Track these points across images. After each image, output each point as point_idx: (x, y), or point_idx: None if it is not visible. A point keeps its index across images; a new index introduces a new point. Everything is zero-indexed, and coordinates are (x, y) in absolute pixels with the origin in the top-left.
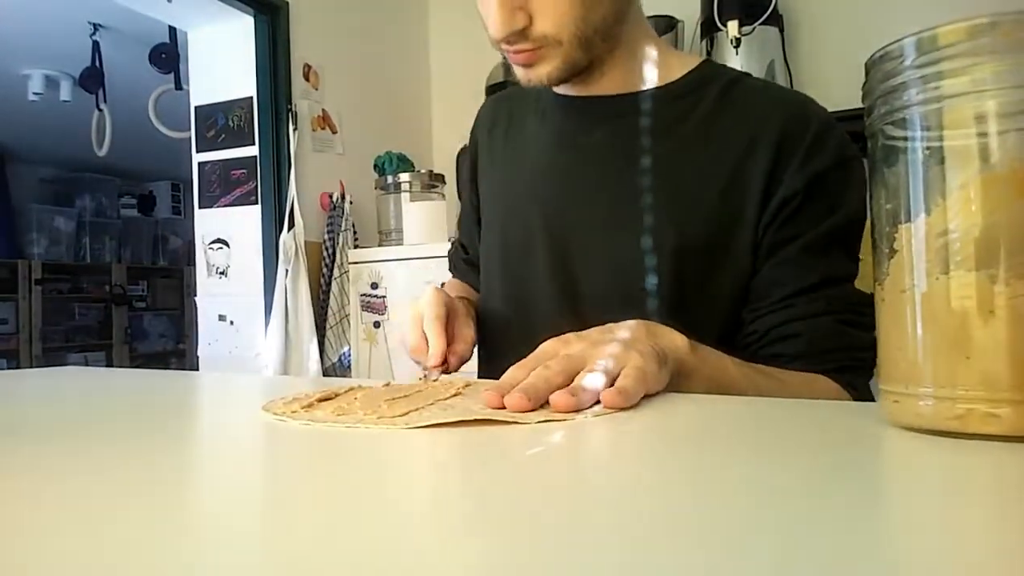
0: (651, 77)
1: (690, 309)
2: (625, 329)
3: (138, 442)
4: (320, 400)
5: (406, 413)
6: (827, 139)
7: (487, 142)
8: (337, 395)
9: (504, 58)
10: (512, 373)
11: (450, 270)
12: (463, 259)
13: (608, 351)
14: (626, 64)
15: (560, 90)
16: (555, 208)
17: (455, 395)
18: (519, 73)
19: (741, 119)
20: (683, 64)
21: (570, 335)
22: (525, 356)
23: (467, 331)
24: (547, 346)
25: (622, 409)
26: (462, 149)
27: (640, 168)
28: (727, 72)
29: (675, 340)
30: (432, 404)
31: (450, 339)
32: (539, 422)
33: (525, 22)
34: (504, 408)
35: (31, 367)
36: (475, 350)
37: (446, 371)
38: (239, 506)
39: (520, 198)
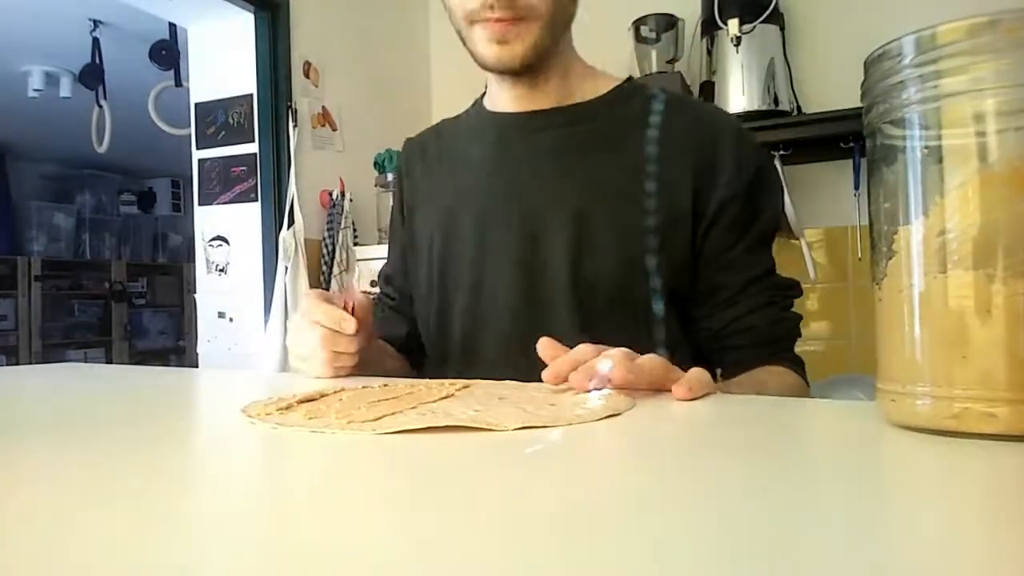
0: (583, 90)
1: (630, 310)
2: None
3: (112, 441)
4: (301, 402)
5: (379, 418)
6: (749, 149)
7: (417, 180)
8: (324, 396)
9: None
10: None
11: None
12: (389, 306)
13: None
14: (561, 79)
15: (499, 108)
16: (505, 213)
17: (446, 397)
18: (491, 51)
19: (668, 132)
20: (608, 80)
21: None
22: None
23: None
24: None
25: (617, 414)
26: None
27: (579, 173)
28: (648, 87)
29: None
30: (415, 408)
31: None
32: (516, 429)
33: None
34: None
35: (30, 363)
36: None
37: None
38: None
39: (465, 212)
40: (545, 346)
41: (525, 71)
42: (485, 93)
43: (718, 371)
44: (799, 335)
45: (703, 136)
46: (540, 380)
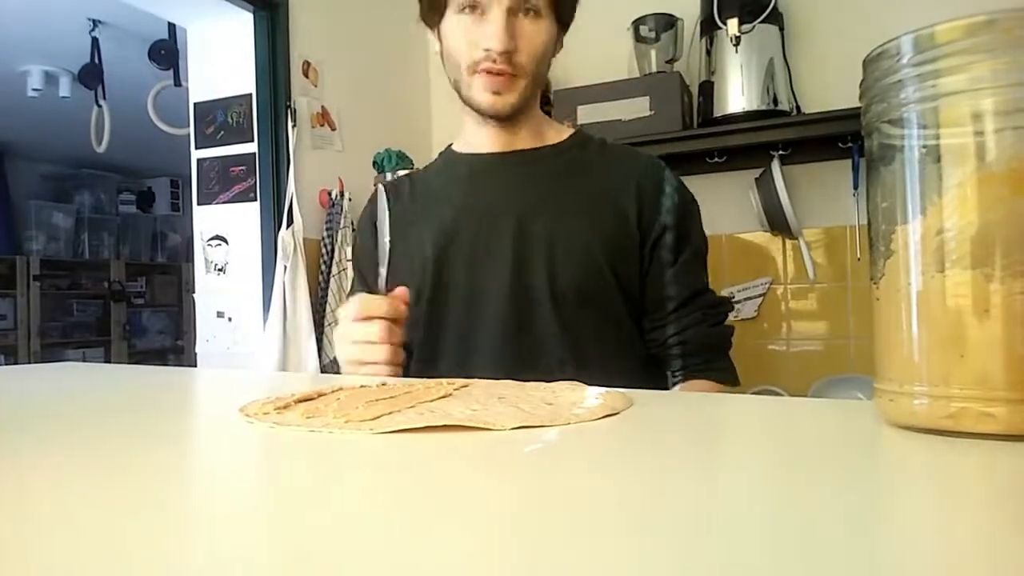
0: (547, 136)
1: (599, 310)
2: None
3: (109, 440)
4: (298, 401)
5: (377, 417)
6: (679, 186)
7: (396, 216)
8: (322, 395)
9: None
10: None
11: None
12: None
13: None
14: (531, 126)
15: (475, 150)
16: (493, 231)
17: (444, 397)
18: (486, 100)
19: (615, 171)
20: (564, 129)
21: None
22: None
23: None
24: None
25: (615, 413)
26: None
27: (552, 200)
28: (595, 137)
29: None
30: (413, 407)
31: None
32: (514, 428)
33: (514, 48)
34: None
35: (29, 363)
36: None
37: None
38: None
39: (457, 231)
40: None
41: (508, 119)
42: (450, 145)
43: (669, 372)
44: (730, 346)
45: (644, 175)
46: (529, 377)
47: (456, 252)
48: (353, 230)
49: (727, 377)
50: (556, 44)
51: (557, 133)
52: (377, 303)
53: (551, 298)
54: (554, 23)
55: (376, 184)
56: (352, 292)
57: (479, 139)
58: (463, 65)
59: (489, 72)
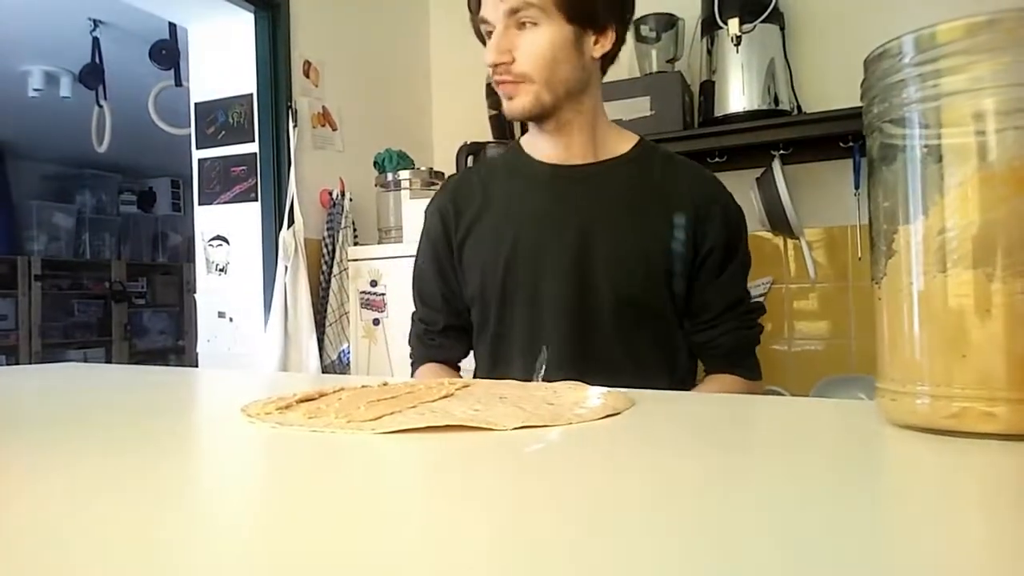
0: (608, 148)
1: (659, 320)
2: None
3: (111, 440)
4: (300, 401)
5: (378, 417)
6: (731, 204)
7: (466, 214)
8: (323, 395)
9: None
10: None
11: (414, 358)
12: (437, 332)
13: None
14: (587, 135)
15: (539, 156)
16: (560, 242)
17: (445, 397)
18: (504, 106)
19: (676, 187)
20: (627, 138)
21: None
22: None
23: None
24: None
25: (617, 413)
26: (432, 208)
27: (612, 220)
28: (659, 148)
29: None
30: (414, 407)
31: None
32: (515, 428)
33: (509, 59)
34: None
35: (30, 363)
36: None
37: None
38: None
39: (518, 242)
40: None
41: (538, 120)
42: (519, 140)
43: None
44: (758, 343)
45: (701, 192)
46: (591, 380)
47: (523, 259)
48: (354, 230)
49: (750, 374)
50: (582, 45)
51: (620, 141)
52: None
53: (613, 308)
54: (564, 24)
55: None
56: (422, 273)
57: (539, 143)
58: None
59: (499, 83)
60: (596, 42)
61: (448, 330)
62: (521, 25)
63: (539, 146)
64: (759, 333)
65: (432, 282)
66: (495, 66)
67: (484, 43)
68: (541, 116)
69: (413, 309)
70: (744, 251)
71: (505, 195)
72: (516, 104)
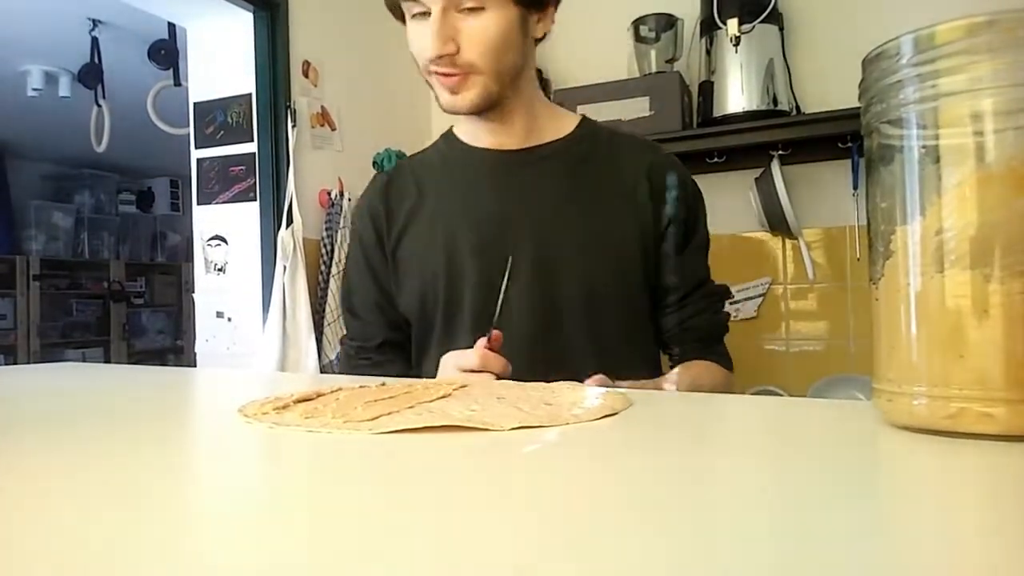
0: (551, 129)
1: (632, 314)
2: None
3: (108, 440)
4: (297, 401)
5: (376, 417)
6: (686, 178)
7: (399, 211)
8: (321, 395)
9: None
10: None
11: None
12: (373, 349)
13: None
14: (527, 118)
15: (477, 143)
16: (508, 237)
17: (443, 397)
18: (445, 99)
19: (628, 164)
20: (569, 119)
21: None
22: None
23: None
24: None
25: (614, 413)
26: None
27: (569, 207)
28: (602, 125)
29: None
30: (411, 407)
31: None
32: (513, 428)
33: (453, 50)
34: None
35: (28, 363)
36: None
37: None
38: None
39: (462, 240)
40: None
41: (482, 113)
42: (451, 128)
43: (664, 357)
44: (727, 331)
45: (655, 167)
46: (557, 377)
47: (470, 260)
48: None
49: (724, 362)
50: (527, 27)
51: (561, 123)
52: (495, 361)
53: (582, 303)
54: (511, 7)
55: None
56: (353, 282)
57: (476, 130)
58: (421, 69)
59: (439, 74)
60: (539, 21)
61: (386, 347)
62: (463, 9)
63: (476, 133)
64: (728, 319)
65: (366, 292)
66: (438, 58)
67: (402, 20)
68: (488, 108)
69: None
70: (704, 228)
71: (443, 189)
72: (462, 99)
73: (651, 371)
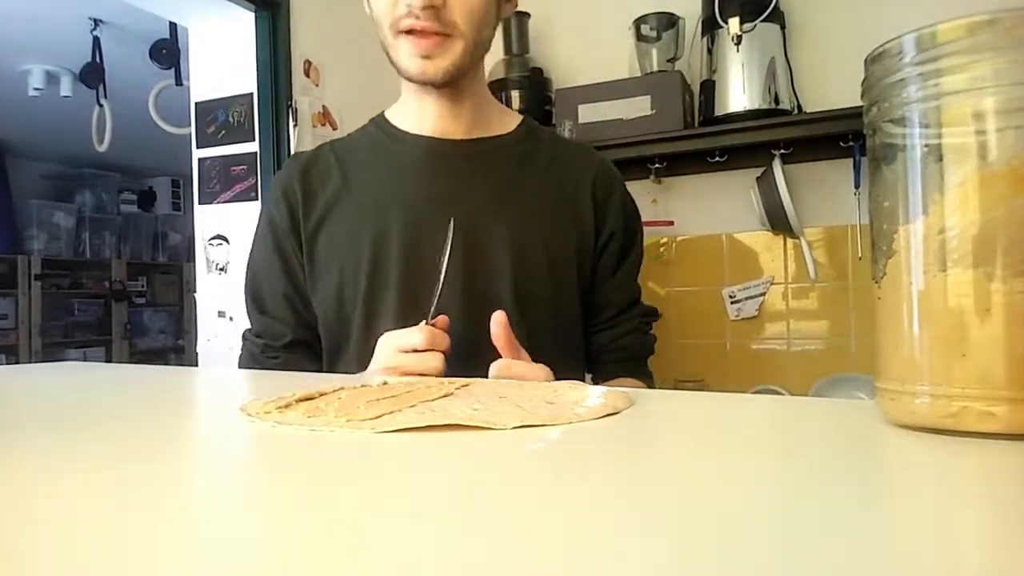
0: (497, 123)
1: (563, 321)
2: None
3: (110, 439)
4: (300, 400)
5: (379, 416)
6: (627, 193)
7: (319, 198)
8: (323, 394)
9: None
10: None
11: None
12: (281, 348)
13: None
14: (476, 107)
15: (418, 130)
16: (439, 229)
17: (445, 396)
18: (415, 65)
19: (572, 169)
20: (511, 116)
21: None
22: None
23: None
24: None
25: (616, 412)
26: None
27: (511, 198)
28: (543, 128)
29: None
30: (414, 406)
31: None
32: (515, 427)
33: (440, 2)
34: None
35: (30, 362)
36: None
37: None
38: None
39: (394, 227)
40: (498, 322)
41: (445, 86)
42: (383, 112)
43: (588, 376)
44: (653, 352)
45: (599, 177)
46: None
47: (396, 256)
48: None
49: (649, 383)
50: (499, 5)
51: (505, 119)
52: (441, 338)
53: (514, 300)
54: None
55: None
56: (260, 272)
57: (420, 113)
58: (386, 25)
59: (413, 32)
60: (508, 1)
61: (295, 346)
62: None
63: (415, 117)
64: (654, 343)
65: (274, 282)
66: (423, 9)
67: None
68: (451, 83)
69: (248, 327)
70: (640, 245)
71: (370, 176)
72: (434, 66)
73: (577, 377)
